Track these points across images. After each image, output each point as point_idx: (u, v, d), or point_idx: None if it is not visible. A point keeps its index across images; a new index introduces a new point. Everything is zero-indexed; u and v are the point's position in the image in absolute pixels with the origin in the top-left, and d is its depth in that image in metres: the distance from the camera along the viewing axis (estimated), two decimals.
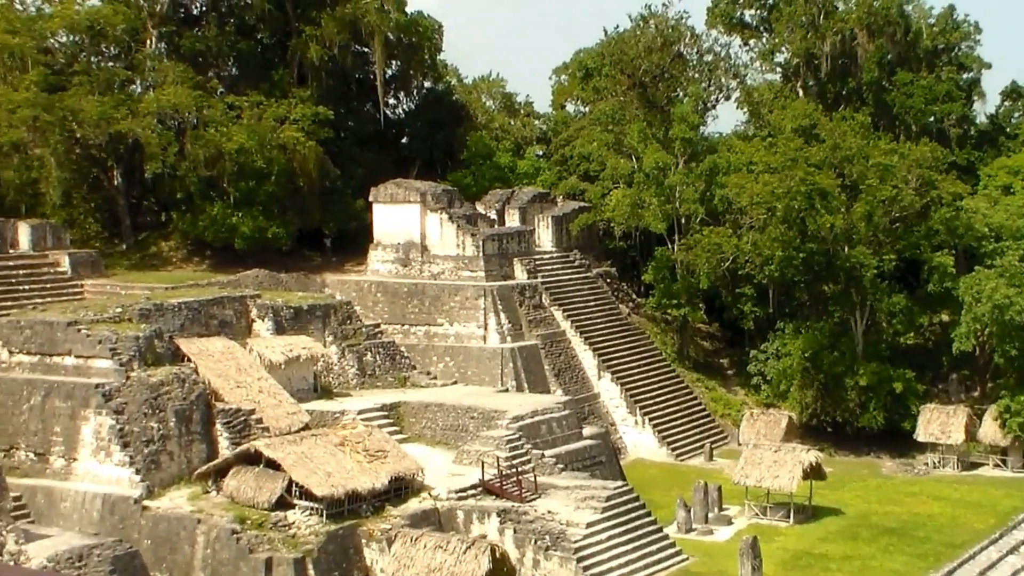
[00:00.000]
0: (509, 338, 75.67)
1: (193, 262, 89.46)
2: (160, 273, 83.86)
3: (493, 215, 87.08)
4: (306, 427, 53.66)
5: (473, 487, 51.94)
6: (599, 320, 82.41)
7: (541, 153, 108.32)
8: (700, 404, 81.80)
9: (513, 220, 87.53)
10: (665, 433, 76.92)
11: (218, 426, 52.99)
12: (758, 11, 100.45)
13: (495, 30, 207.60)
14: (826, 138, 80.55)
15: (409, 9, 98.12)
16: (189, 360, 55.12)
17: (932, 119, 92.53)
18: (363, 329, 67.00)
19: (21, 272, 73.76)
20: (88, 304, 61.45)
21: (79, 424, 51.70)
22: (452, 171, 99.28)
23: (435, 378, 68.03)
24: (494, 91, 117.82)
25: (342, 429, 52.75)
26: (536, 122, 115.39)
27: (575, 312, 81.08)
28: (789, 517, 60.76)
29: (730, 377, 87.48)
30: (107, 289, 74.20)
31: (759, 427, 74.28)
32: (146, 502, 49.43)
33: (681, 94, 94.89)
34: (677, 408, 79.69)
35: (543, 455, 55.54)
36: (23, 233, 76.81)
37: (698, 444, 76.83)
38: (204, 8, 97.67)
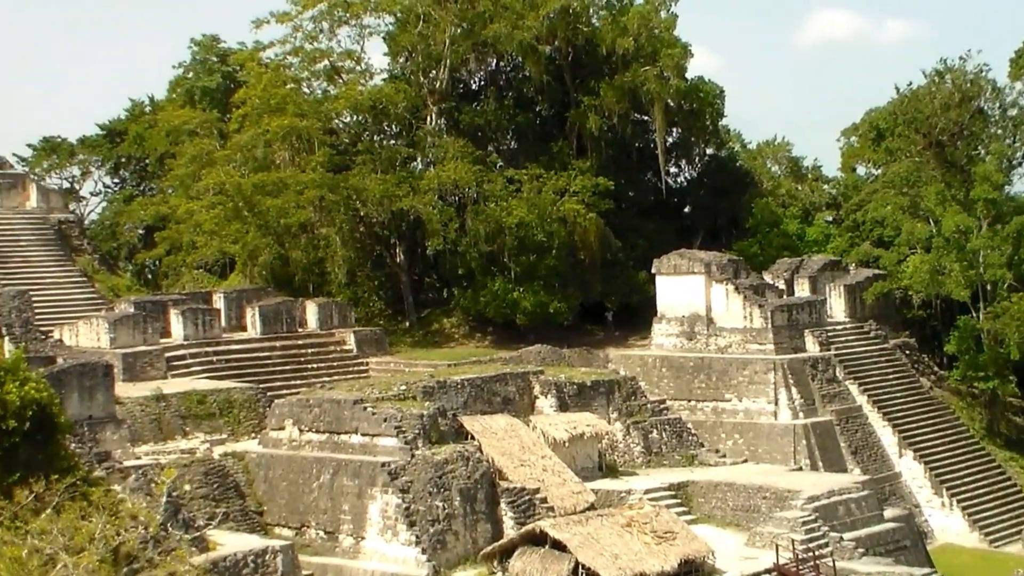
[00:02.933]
0: (801, 414, 72.61)
1: (475, 338, 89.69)
2: (442, 350, 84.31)
3: (781, 285, 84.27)
4: (592, 507, 52.44)
5: (767, 571, 49.26)
6: (898, 394, 78.29)
7: (831, 219, 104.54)
8: (1015, 485, 76.39)
9: (803, 290, 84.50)
10: (976, 516, 72.08)
11: (502, 505, 52.25)
12: None
13: (779, 92, 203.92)
14: None
15: (690, 75, 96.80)
16: (472, 438, 54.75)
17: None
18: (648, 405, 65.41)
19: (309, 351, 75.51)
20: (373, 382, 62.17)
21: (366, 503, 51.65)
22: (737, 240, 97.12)
23: (724, 456, 65.78)
24: (779, 155, 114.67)
25: (629, 509, 51.10)
26: (825, 187, 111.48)
27: (872, 386, 77.29)
28: None
29: None
30: (391, 366, 75.00)
31: None
32: None
33: (983, 152, 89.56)
34: (989, 489, 74.62)
35: (841, 538, 52.44)
36: (311, 312, 78.80)
37: (1015, 529, 71.60)
38: (483, 83, 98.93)
